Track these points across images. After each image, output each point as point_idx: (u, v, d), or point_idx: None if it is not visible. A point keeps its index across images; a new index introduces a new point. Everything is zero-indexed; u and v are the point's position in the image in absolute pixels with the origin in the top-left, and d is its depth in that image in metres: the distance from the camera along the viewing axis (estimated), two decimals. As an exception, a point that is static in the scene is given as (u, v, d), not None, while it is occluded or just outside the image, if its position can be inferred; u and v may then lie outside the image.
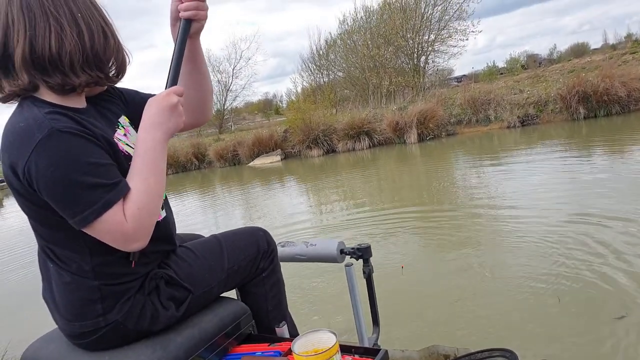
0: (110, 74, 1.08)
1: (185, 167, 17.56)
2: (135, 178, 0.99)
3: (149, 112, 1.04)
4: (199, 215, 8.22)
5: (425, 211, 5.84)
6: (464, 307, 2.98)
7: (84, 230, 0.95)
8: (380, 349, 1.07)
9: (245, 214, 7.70)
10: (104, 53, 1.03)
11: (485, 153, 9.41)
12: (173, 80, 1.11)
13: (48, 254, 1.04)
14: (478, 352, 1.71)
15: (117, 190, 0.94)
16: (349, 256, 1.57)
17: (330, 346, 0.97)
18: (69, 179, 0.90)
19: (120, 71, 1.10)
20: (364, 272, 1.56)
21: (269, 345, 1.20)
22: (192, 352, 1.10)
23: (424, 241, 4.70)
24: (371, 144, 13.49)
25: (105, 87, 1.17)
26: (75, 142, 0.92)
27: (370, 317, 1.63)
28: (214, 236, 1.33)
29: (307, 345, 1.04)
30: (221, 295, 1.31)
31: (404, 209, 6.02)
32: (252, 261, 1.30)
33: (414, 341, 2.27)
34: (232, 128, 26.51)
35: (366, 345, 1.56)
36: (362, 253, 1.54)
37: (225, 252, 1.26)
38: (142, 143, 1.02)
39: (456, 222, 5.12)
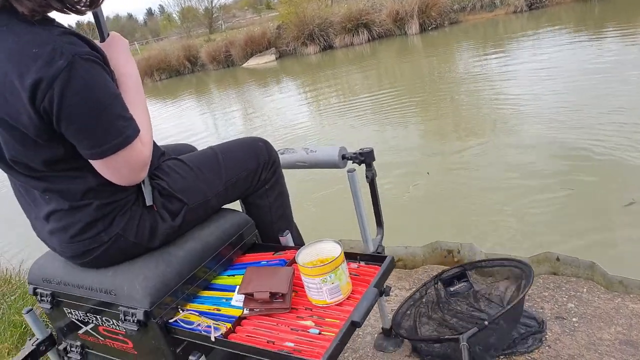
0: (78, 4, 0.93)
1: (178, 71, 17.00)
2: (138, 108, 1.01)
3: (123, 48, 1.08)
4: (198, 120, 8.11)
5: (426, 103, 5.71)
6: (468, 202, 3.01)
7: (98, 161, 0.93)
8: (387, 256, 1.06)
9: (244, 118, 7.58)
10: None
11: (490, 41, 8.96)
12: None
13: (42, 187, 0.99)
14: (490, 260, 1.72)
15: (135, 122, 0.95)
16: (351, 161, 1.51)
17: (336, 256, 0.96)
18: (96, 109, 0.88)
19: (94, 1, 0.96)
20: (367, 177, 1.52)
21: (273, 254, 1.19)
22: (195, 265, 1.09)
23: (425, 133, 4.64)
24: (370, 38, 12.83)
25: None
26: (98, 71, 0.89)
27: (374, 221, 1.63)
28: (210, 148, 1.26)
29: (312, 255, 1.03)
30: (222, 207, 1.29)
31: (404, 102, 5.88)
32: (252, 173, 1.25)
33: (417, 239, 2.32)
34: (223, 27, 25.10)
35: (371, 246, 1.57)
36: (365, 157, 1.48)
37: (222, 165, 1.20)
38: (130, 77, 1.05)
39: (458, 112, 5.01)
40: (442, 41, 10.57)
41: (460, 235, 2.63)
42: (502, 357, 1.47)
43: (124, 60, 1.06)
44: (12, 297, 1.99)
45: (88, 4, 0.95)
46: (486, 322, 1.32)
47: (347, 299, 0.98)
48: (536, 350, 1.48)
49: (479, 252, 2.08)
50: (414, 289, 1.91)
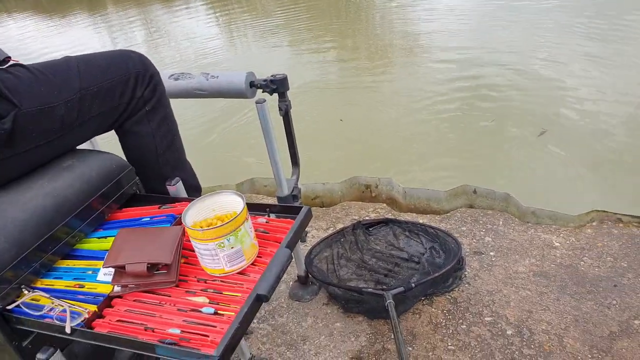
0: None
1: (67, -15, 14.68)
2: None
3: None
4: (91, 41, 7.06)
5: (342, 33, 5.41)
6: (385, 134, 2.89)
7: None
8: (302, 207, 0.85)
9: (146, 42, 6.71)
10: None
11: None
12: None
13: None
14: (418, 224, 1.60)
15: None
16: (261, 90, 1.24)
17: (238, 212, 0.72)
18: None
19: None
20: (280, 109, 1.27)
21: (159, 208, 0.93)
22: (47, 227, 0.79)
23: (340, 65, 4.39)
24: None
25: None
26: None
27: (289, 160, 1.40)
28: (65, 56, 0.95)
29: (206, 211, 0.79)
30: (91, 149, 0.98)
31: (320, 31, 5.52)
32: (121, 85, 0.96)
33: (333, 176, 2.15)
34: None
35: (285, 188, 1.36)
36: (277, 86, 1.21)
37: (76, 70, 0.90)
38: None
39: (373, 46, 4.80)
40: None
41: (378, 169, 2.51)
42: (422, 298, 1.39)
43: None
44: None
45: None
46: (413, 284, 1.20)
47: (252, 264, 0.77)
48: (456, 289, 1.42)
49: (397, 187, 1.98)
50: (331, 231, 1.78)
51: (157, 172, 1.06)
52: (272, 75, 1.24)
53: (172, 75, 1.33)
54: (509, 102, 3.02)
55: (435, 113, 3.02)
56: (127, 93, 0.97)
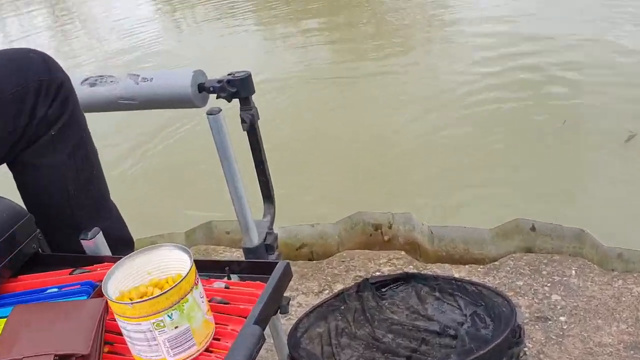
0: None
1: None
2: None
3: None
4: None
5: (334, 20, 5.57)
6: (398, 152, 2.94)
7: None
8: (277, 262, 0.88)
9: (48, 27, 6.86)
10: None
11: None
12: None
13: None
14: (459, 280, 1.64)
15: None
16: (215, 95, 1.28)
17: (184, 275, 0.75)
18: None
19: None
20: (242, 121, 1.30)
21: (71, 274, 0.95)
22: None
23: (332, 56, 4.49)
24: None
25: None
26: None
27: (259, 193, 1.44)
28: None
29: (138, 275, 0.81)
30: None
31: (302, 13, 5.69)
32: (17, 103, 1.00)
33: (327, 213, 2.18)
34: None
35: (255, 235, 1.38)
36: (238, 88, 1.25)
37: None
38: None
39: (377, 17, 4.93)
40: None
41: (390, 199, 2.54)
42: (465, 389, 1.40)
43: None
44: None
45: None
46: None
47: (206, 350, 0.79)
48: (513, 372, 1.44)
49: (419, 225, 2.02)
50: (325, 294, 1.79)
51: (68, 221, 1.09)
52: (229, 74, 1.28)
53: (86, 79, 1.36)
54: (580, 95, 3.09)
55: (470, 112, 3.09)
56: (24, 112, 1.00)
